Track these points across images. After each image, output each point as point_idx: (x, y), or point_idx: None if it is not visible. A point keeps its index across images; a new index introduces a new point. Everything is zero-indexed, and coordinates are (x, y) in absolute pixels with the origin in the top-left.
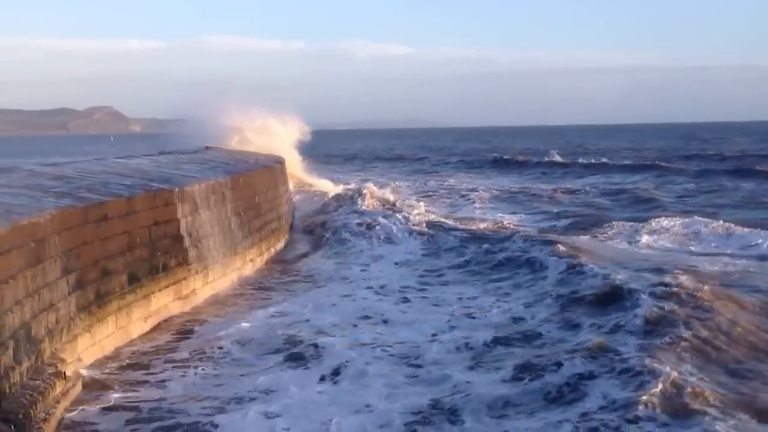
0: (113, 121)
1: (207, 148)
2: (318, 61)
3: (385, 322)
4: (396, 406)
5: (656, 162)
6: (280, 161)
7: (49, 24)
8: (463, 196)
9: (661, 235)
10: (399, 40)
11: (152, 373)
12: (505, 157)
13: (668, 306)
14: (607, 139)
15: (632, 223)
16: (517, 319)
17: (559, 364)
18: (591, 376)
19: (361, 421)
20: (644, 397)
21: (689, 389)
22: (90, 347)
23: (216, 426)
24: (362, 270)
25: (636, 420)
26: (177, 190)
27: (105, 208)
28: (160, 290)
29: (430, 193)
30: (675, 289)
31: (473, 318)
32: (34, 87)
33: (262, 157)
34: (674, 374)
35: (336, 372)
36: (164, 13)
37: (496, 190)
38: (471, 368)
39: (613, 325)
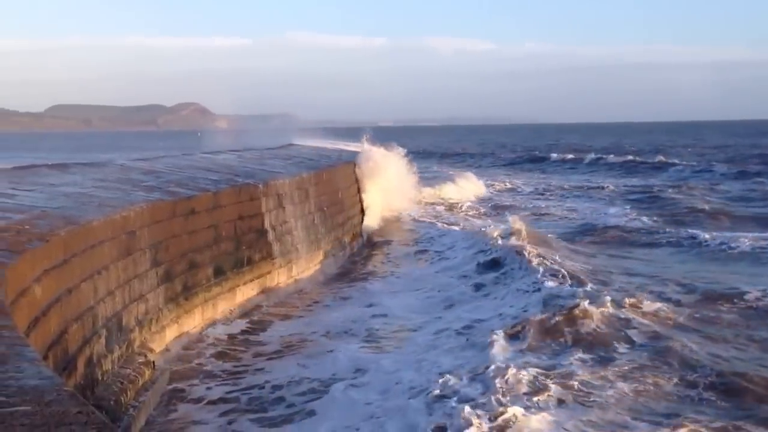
0: (200, 117)
1: (291, 144)
2: (400, 57)
3: (453, 304)
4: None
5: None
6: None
7: (140, 23)
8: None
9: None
10: (482, 35)
11: (244, 365)
12: (585, 155)
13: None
14: (691, 136)
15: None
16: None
17: None
18: None
19: (418, 379)
20: None
21: None
22: (177, 338)
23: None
24: (437, 258)
25: None
26: (261, 185)
27: (192, 202)
28: (244, 283)
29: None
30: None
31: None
32: (126, 84)
33: (346, 153)
34: None
35: (407, 351)
36: (250, 11)
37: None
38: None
39: None
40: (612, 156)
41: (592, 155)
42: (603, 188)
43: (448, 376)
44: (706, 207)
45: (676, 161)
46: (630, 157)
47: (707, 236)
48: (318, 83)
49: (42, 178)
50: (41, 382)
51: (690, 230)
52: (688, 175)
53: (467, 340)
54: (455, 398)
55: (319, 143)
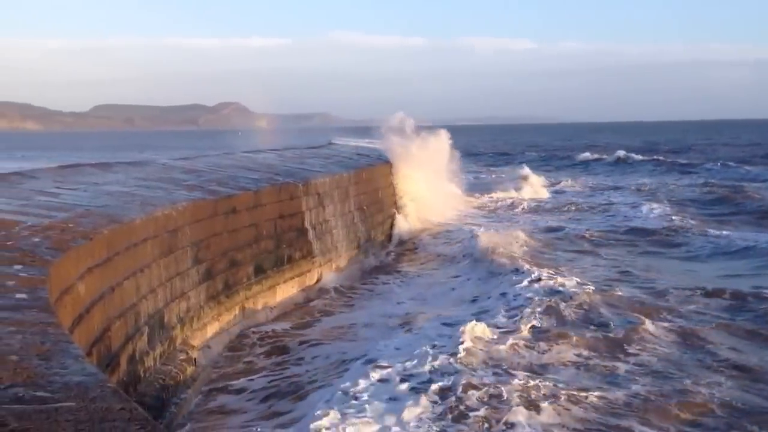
0: (240, 116)
1: (330, 143)
2: (438, 57)
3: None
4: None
5: None
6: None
7: (182, 23)
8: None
9: None
10: (520, 34)
11: (285, 357)
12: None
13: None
14: (727, 134)
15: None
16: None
17: None
18: None
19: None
20: None
21: None
22: (218, 335)
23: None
24: (456, 260)
25: None
26: (302, 184)
27: (233, 201)
28: (285, 281)
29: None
30: None
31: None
32: (167, 84)
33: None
34: None
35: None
36: (289, 11)
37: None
38: None
39: None
40: (653, 155)
41: (632, 154)
42: (642, 188)
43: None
44: (755, 205)
45: (714, 160)
46: (662, 157)
47: (749, 236)
48: (357, 83)
49: (85, 177)
50: (85, 378)
51: (732, 230)
52: (727, 173)
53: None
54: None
55: (359, 142)
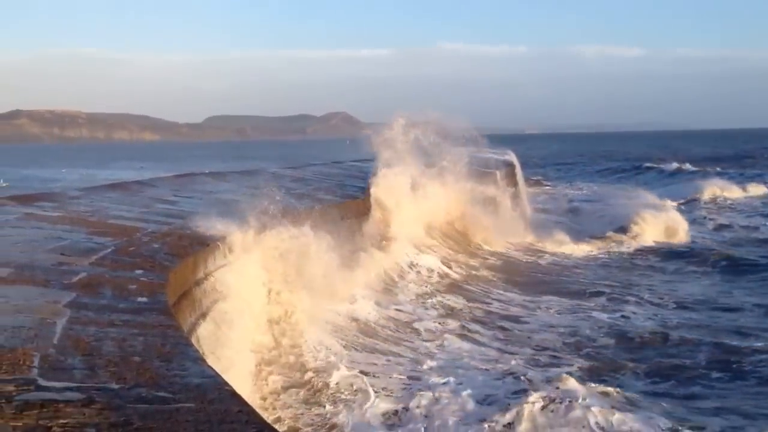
0: (347, 125)
1: None
2: (546, 64)
3: None
4: None
5: None
6: (509, 164)
7: (290, 36)
8: None
9: None
10: (630, 42)
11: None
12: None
13: None
14: None
15: None
16: None
17: None
18: None
19: None
20: None
21: None
22: None
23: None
24: None
25: None
26: None
27: (341, 208)
28: None
29: None
30: None
31: None
32: (277, 95)
33: (492, 161)
34: None
35: None
36: (394, 23)
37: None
38: None
39: None
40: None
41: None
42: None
43: None
44: None
45: None
46: None
47: None
48: (464, 91)
49: (200, 186)
50: (204, 380)
51: None
52: None
53: None
54: None
55: (467, 150)
